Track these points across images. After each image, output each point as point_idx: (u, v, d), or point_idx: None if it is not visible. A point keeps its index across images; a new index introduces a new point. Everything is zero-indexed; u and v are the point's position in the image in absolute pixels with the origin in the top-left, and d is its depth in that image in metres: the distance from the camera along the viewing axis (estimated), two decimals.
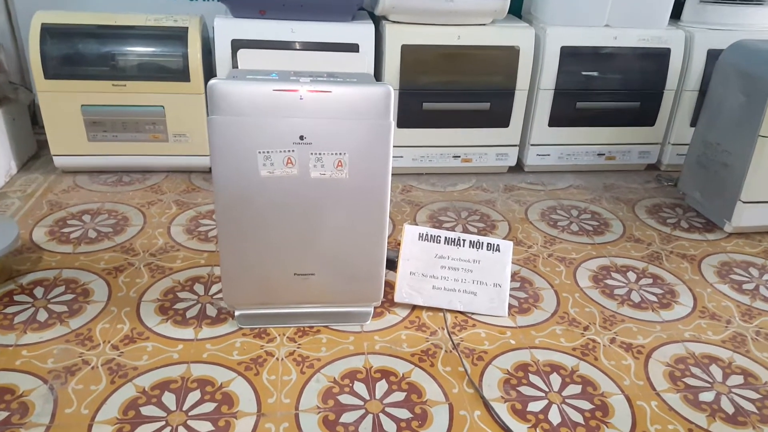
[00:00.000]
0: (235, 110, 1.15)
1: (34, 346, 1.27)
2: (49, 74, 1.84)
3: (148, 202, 1.90)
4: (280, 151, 1.18)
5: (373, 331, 1.37)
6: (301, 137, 1.17)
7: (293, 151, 1.18)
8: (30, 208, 1.83)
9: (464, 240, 1.49)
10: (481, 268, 1.47)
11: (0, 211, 1.80)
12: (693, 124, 2.21)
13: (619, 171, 2.33)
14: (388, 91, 1.17)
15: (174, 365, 1.24)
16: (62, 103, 1.89)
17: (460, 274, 1.47)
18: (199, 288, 1.49)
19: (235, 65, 1.91)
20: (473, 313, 1.44)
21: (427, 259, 1.47)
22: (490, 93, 2.08)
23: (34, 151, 2.16)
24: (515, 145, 2.19)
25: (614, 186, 2.21)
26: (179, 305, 1.43)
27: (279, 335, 1.34)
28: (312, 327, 1.37)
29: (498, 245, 1.49)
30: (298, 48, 1.83)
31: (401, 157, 2.12)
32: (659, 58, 2.12)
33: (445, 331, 1.38)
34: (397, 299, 1.45)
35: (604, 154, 2.25)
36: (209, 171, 2.10)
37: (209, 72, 1.92)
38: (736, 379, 1.28)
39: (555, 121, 2.15)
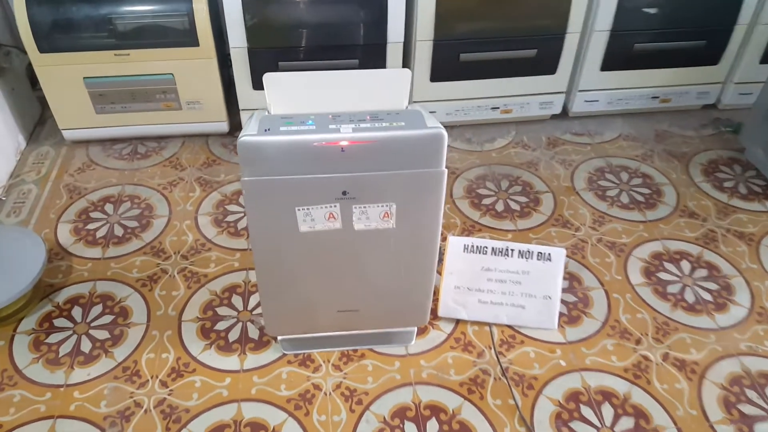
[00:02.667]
0: (270, 169, 1.01)
1: (84, 385, 1.27)
2: (43, 48, 1.63)
3: (169, 182, 1.79)
4: (321, 207, 1.06)
5: (419, 354, 1.34)
6: (344, 192, 1.05)
7: (335, 206, 1.06)
8: (48, 196, 1.73)
9: (513, 250, 1.40)
10: (530, 280, 1.40)
11: (19, 202, 1.71)
12: (764, 61, 1.96)
13: (673, 112, 2.12)
14: (440, 135, 1.01)
15: (225, 405, 1.24)
16: (62, 77, 1.70)
17: (507, 287, 1.40)
18: (237, 301, 1.45)
19: (251, 38, 1.67)
20: (521, 326, 1.40)
21: (473, 272, 1.40)
22: (537, 38, 1.83)
23: (38, 114, 2.00)
24: (561, 92, 1.98)
25: (667, 135, 2.03)
26: (220, 325, 1.39)
27: (324, 362, 1.32)
28: (356, 350, 1.35)
29: (549, 254, 1.40)
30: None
31: (434, 112, 1.93)
32: None
33: (493, 351, 1.35)
34: (441, 314, 1.41)
35: (658, 97, 2.04)
36: (227, 135, 1.95)
37: (219, 33, 1.70)
38: None
39: (608, 64, 1.92)
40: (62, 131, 1.84)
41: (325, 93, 1.10)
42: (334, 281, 1.20)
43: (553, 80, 1.94)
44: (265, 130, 1.00)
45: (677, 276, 1.53)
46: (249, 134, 0.99)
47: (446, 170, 1.05)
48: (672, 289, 1.50)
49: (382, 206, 1.08)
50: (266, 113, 1.08)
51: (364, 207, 1.07)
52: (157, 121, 1.84)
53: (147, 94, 1.76)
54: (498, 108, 1.98)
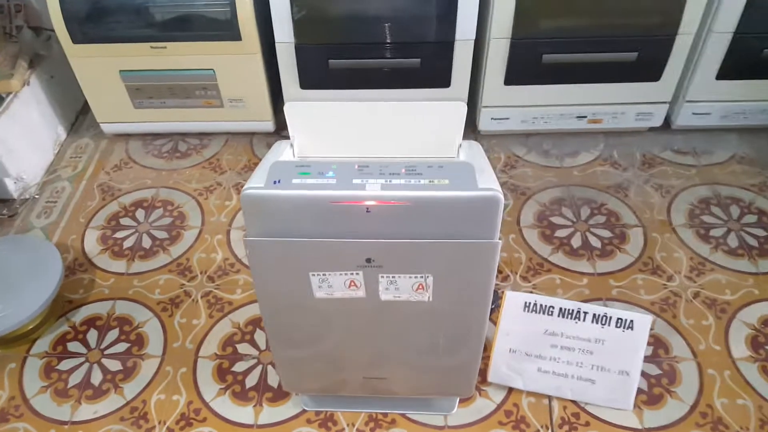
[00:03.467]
0: (280, 229, 0.81)
1: (89, 425, 1.16)
2: (76, 38, 1.50)
3: (205, 187, 1.64)
4: (340, 274, 0.86)
5: (460, 427, 1.14)
6: (368, 260, 0.84)
7: (358, 274, 0.86)
8: (81, 196, 1.63)
9: (586, 313, 1.15)
10: (605, 351, 1.15)
11: (51, 201, 1.62)
12: None
13: None
14: (495, 200, 0.78)
15: None
16: (97, 69, 1.57)
17: (575, 356, 1.16)
18: (260, 338, 1.29)
19: (299, 33, 1.46)
20: (587, 403, 1.16)
21: (534, 335, 1.16)
22: (640, 39, 1.51)
23: (81, 102, 1.89)
24: (665, 102, 1.65)
25: None
26: (238, 366, 1.24)
27: (348, 425, 1.15)
28: (386, 415, 1.16)
29: (632, 321, 1.13)
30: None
31: (507, 119, 1.66)
32: None
33: None
34: (491, 379, 1.19)
35: None
36: (273, 134, 1.77)
37: (266, 25, 1.50)
38: None
39: (727, 72, 1.56)
40: (101, 125, 1.74)
41: (359, 129, 0.89)
42: (357, 349, 1.01)
43: (656, 88, 1.61)
44: (275, 182, 0.80)
45: None
46: (254, 186, 0.79)
47: (500, 241, 0.82)
48: None
49: (416, 277, 0.86)
50: (287, 148, 0.89)
51: (393, 277, 0.86)
52: (197, 118, 1.69)
53: (186, 89, 1.60)
54: (585, 117, 1.68)
